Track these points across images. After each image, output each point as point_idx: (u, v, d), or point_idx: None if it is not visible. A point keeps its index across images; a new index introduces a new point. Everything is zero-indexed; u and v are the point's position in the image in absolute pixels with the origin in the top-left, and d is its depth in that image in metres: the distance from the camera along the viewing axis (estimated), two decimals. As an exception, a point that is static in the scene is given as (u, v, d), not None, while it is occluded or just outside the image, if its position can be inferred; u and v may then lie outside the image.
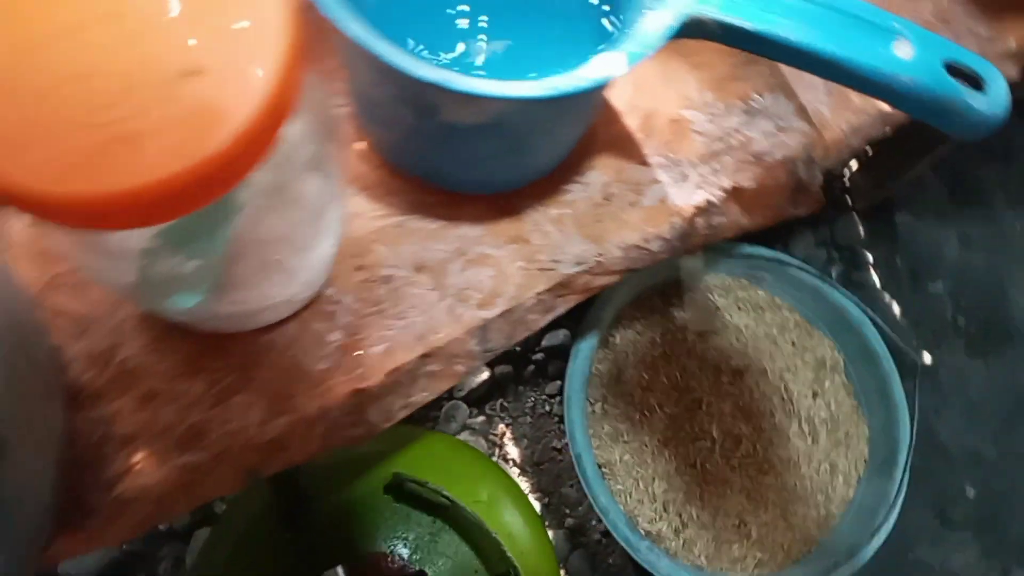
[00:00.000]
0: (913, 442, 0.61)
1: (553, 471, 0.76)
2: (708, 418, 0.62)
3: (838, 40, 0.29)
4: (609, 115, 0.40)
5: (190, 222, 0.27)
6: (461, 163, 0.35)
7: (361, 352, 0.35)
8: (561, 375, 0.79)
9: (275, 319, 0.35)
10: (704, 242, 0.41)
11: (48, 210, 0.20)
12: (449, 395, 0.77)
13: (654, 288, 0.65)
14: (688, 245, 0.41)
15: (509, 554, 0.52)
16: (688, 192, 0.40)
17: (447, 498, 0.48)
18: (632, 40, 0.28)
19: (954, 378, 0.85)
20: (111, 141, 0.20)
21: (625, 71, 0.27)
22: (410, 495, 0.53)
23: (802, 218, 0.46)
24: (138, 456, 0.33)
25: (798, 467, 0.63)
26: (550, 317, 0.39)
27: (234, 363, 0.34)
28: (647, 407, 0.62)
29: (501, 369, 0.77)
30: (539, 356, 0.78)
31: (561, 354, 0.77)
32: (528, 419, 0.78)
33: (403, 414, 0.37)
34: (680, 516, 0.60)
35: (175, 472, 0.33)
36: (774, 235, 0.85)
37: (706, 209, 0.40)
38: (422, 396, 0.37)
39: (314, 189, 0.30)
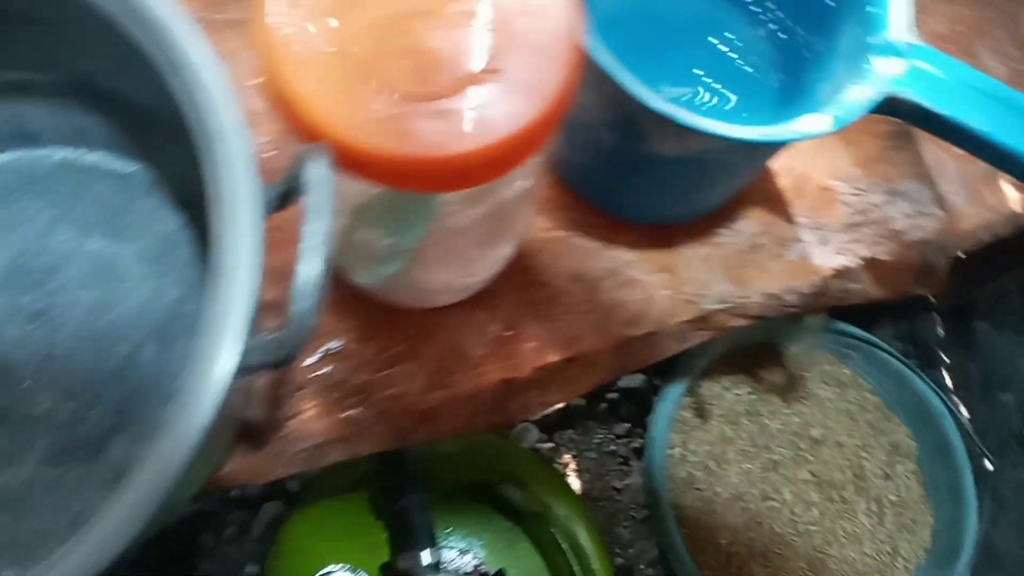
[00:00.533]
0: (979, 542, 0.62)
1: (609, 509, 0.78)
2: (782, 480, 0.64)
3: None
4: (766, 172, 0.43)
5: (403, 203, 0.31)
6: (638, 192, 0.38)
7: (515, 345, 0.38)
8: (632, 418, 0.81)
9: (446, 302, 0.38)
10: (833, 304, 0.44)
11: (359, 161, 0.24)
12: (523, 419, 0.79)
13: (746, 346, 0.68)
14: (818, 304, 0.43)
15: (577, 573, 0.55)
16: (828, 255, 0.43)
17: (544, 504, 0.50)
18: (836, 106, 0.31)
19: (1013, 489, 0.86)
20: (425, 113, 0.23)
21: (830, 131, 0.30)
22: (494, 498, 0.56)
23: (889, 306, 0.48)
24: (309, 404, 0.36)
25: (861, 544, 0.64)
26: (683, 347, 0.42)
27: (405, 335, 0.38)
28: (725, 459, 0.64)
29: (576, 401, 0.79)
30: (614, 396, 0.80)
31: (635, 397, 0.80)
32: (593, 454, 0.80)
33: (538, 411, 0.40)
34: (741, 570, 0.61)
35: (338, 424, 0.36)
36: (857, 318, 0.87)
37: (842, 273, 0.43)
38: (556, 398, 0.40)
39: (513, 195, 0.34)
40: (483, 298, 0.39)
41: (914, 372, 0.67)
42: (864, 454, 0.66)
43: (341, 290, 0.38)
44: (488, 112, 0.24)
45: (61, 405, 0.35)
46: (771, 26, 0.40)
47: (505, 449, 0.59)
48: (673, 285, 0.40)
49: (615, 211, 0.40)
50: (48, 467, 0.34)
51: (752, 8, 0.41)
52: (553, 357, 0.38)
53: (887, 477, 0.66)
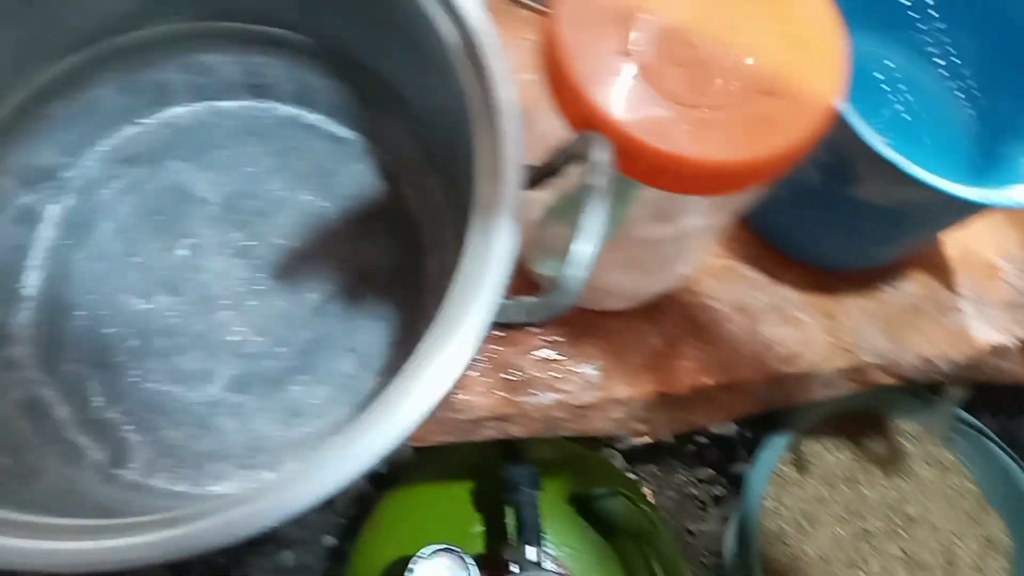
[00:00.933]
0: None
1: (680, 551, 0.78)
2: (871, 551, 0.63)
3: None
4: (936, 238, 0.44)
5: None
6: (821, 234, 0.39)
7: (673, 361, 0.40)
8: (717, 465, 0.81)
9: (614, 307, 0.40)
10: (982, 379, 0.44)
11: (626, 152, 0.25)
12: (609, 444, 0.80)
13: (853, 412, 0.68)
14: (968, 377, 0.44)
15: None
16: (986, 330, 0.43)
17: (652, 524, 0.51)
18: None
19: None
20: (694, 119, 0.25)
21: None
22: (589, 511, 0.57)
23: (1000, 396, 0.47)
24: (478, 380, 0.38)
25: (943, 632, 0.63)
26: (828, 394, 0.42)
27: (571, 331, 0.39)
28: (817, 520, 0.64)
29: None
30: (703, 440, 0.81)
31: (725, 445, 0.80)
32: (672, 494, 0.80)
33: (675, 429, 0.41)
34: (817, 632, 0.61)
35: (500, 403, 0.38)
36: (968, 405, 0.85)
37: (999, 351, 0.43)
38: (702, 419, 0.41)
39: (705, 224, 0.35)
40: (648, 311, 0.40)
41: (1021, 468, 0.66)
42: (958, 541, 0.65)
43: (519, 277, 0.40)
44: (749, 129, 0.26)
45: (252, 338, 0.38)
46: (964, 92, 0.41)
47: (609, 466, 0.60)
48: (832, 331, 0.41)
49: (787, 248, 0.42)
50: (232, 393, 0.37)
51: (944, 72, 0.41)
52: (708, 380, 0.40)
53: (978, 570, 0.65)
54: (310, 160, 0.40)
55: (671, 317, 0.40)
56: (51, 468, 0.33)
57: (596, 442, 0.74)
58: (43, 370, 0.36)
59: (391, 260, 0.39)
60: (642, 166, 0.26)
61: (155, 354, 0.37)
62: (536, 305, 0.24)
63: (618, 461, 0.80)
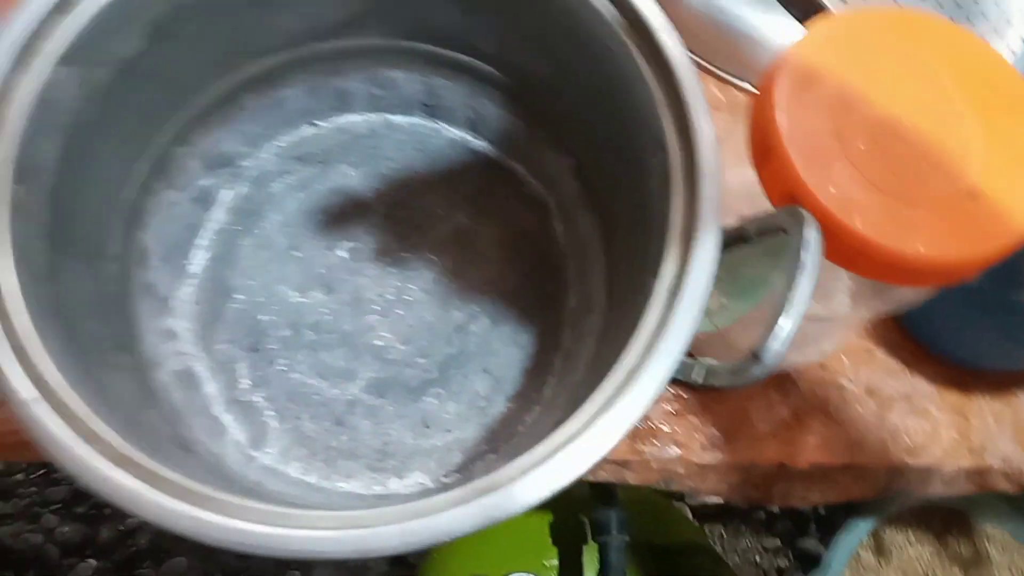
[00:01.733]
0: None
1: (736, 616, 0.77)
2: (945, 653, 0.61)
3: None
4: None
5: (745, 279, 0.33)
6: (966, 332, 0.39)
7: (798, 434, 0.40)
8: (785, 537, 0.80)
9: (735, 387, 0.40)
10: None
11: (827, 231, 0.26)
12: (681, 498, 0.79)
13: (940, 508, 0.66)
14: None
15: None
16: (1121, 453, 0.42)
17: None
18: None
19: None
20: (905, 211, 0.26)
21: None
22: (671, 564, 0.57)
23: None
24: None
25: None
26: (946, 492, 0.42)
27: (698, 391, 0.40)
28: (892, 611, 0.62)
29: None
30: (775, 509, 0.80)
31: (797, 518, 0.79)
32: (736, 559, 0.79)
33: (795, 503, 0.41)
34: None
35: (625, 449, 0.38)
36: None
37: None
38: (817, 497, 0.41)
39: (845, 301, 0.35)
40: (780, 380, 0.40)
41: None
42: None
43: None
44: (949, 229, 0.26)
45: (396, 346, 0.39)
46: None
47: (688, 521, 0.60)
48: (962, 430, 0.41)
49: (927, 339, 0.41)
50: (371, 395, 0.38)
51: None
52: (830, 458, 0.39)
53: None
54: (470, 183, 0.42)
55: (801, 390, 0.40)
56: (200, 442, 0.35)
57: (669, 495, 0.74)
58: (199, 346, 0.38)
59: (534, 290, 0.40)
60: (837, 246, 0.26)
61: (304, 347, 0.38)
62: (725, 370, 0.24)
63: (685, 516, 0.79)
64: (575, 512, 0.58)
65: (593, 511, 0.50)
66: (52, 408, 0.24)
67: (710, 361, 0.26)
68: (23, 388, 0.24)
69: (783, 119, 0.27)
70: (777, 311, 0.23)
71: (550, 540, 0.58)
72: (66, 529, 0.73)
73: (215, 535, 0.23)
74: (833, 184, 0.26)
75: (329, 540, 0.23)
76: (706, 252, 0.26)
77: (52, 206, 0.30)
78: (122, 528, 0.74)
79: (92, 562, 0.73)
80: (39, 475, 0.75)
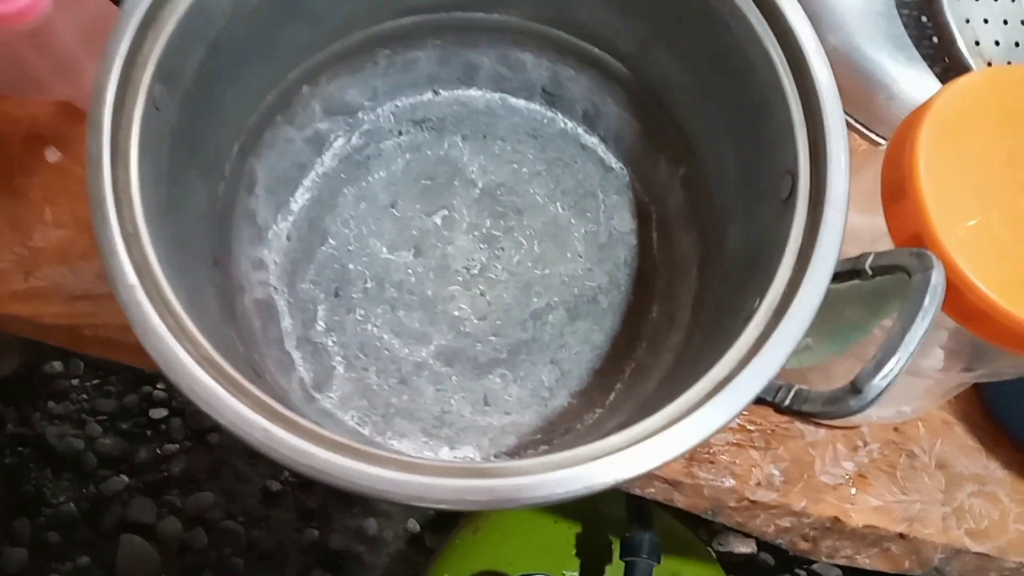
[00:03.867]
0: None
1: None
2: None
3: None
4: None
5: (842, 321, 0.32)
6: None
7: (859, 492, 0.38)
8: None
9: (824, 417, 0.39)
10: None
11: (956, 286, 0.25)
12: (709, 542, 0.78)
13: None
14: None
15: None
16: None
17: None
18: None
19: None
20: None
21: None
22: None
23: None
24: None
25: None
26: (999, 586, 0.40)
27: (767, 424, 0.39)
28: None
29: (764, 556, 0.77)
30: (802, 572, 0.78)
31: (822, 586, 0.76)
32: (752, 615, 0.77)
33: (839, 561, 0.40)
34: None
35: (676, 466, 0.38)
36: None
37: None
38: (864, 560, 0.40)
39: (939, 356, 0.34)
40: (849, 433, 0.39)
41: None
42: None
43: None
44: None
45: (472, 319, 0.39)
46: None
47: (716, 565, 0.59)
48: (1030, 524, 0.39)
49: (1010, 423, 0.40)
50: (439, 362, 0.38)
51: None
52: (887, 523, 0.38)
53: None
54: (574, 177, 0.42)
55: (870, 448, 0.39)
56: (268, 371, 0.35)
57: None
58: (284, 280, 0.39)
59: (618, 294, 0.40)
60: (954, 298, 0.25)
61: (384, 302, 0.39)
62: (819, 397, 0.24)
63: (709, 562, 0.78)
64: (605, 529, 0.57)
65: (627, 530, 0.50)
66: (150, 298, 0.25)
67: (801, 386, 0.25)
68: (128, 273, 0.25)
69: (923, 160, 0.26)
70: (889, 349, 0.23)
71: (574, 551, 0.57)
72: (107, 441, 0.75)
73: (285, 452, 0.23)
74: (963, 235, 0.25)
75: (392, 480, 0.23)
76: (820, 275, 0.25)
77: (182, 112, 0.31)
78: (159, 452, 0.76)
79: (124, 478, 0.75)
80: (93, 383, 0.77)
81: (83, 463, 0.74)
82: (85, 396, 0.77)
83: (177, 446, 0.76)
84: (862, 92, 0.43)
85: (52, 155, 0.42)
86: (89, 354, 0.39)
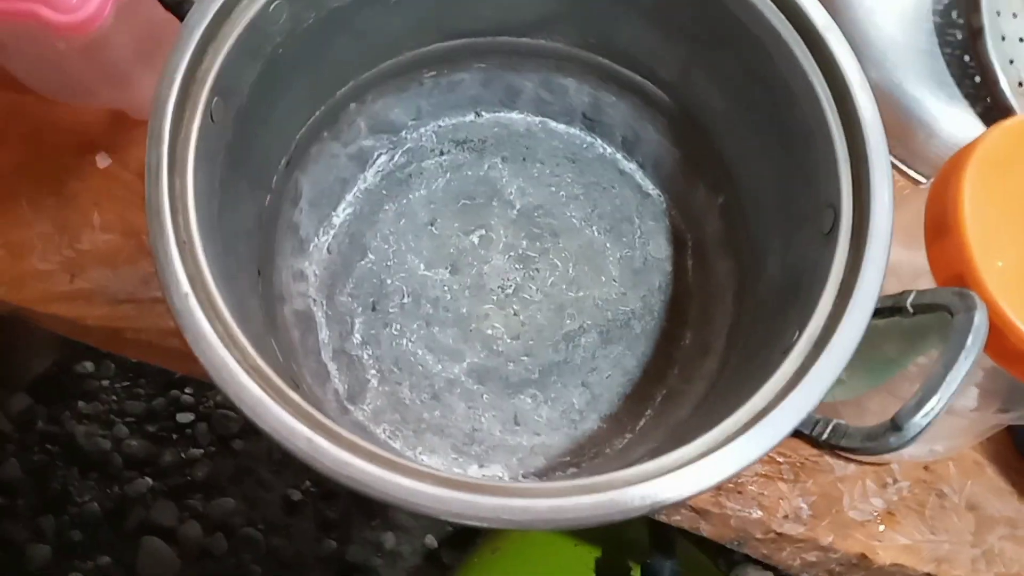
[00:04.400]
0: None
1: None
2: None
3: None
4: None
5: (880, 357, 0.32)
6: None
7: (887, 529, 0.38)
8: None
9: (864, 453, 0.39)
10: None
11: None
12: (726, 575, 0.77)
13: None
14: None
15: None
16: None
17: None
18: None
19: None
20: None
21: None
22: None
23: None
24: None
25: None
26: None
27: (797, 457, 0.39)
28: None
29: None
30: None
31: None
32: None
33: (864, 598, 0.39)
34: None
35: (707, 501, 0.38)
36: None
37: None
38: (888, 601, 0.39)
39: (974, 395, 0.34)
40: (880, 470, 0.39)
41: None
42: None
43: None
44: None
45: (505, 339, 0.39)
46: None
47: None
48: (1063, 571, 0.38)
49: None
50: (471, 380, 0.39)
51: None
52: (915, 563, 0.38)
53: None
54: (612, 202, 0.42)
55: (900, 486, 0.39)
56: (305, 381, 0.36)
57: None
58: (323, 292, 0.39)
59: (652, 319, 0.40)
60: (998, 342, 0.25)
61: (420, 317, 0.39)
62: (858, 432, 0.24)
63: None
64: (625, 555, 0.57)
65: (649, 557, 0.50)
66: (201, 306, 0.26)
67: (838, 420, 0.25)
68: (182, 282, 0.26)
69: (968, 200, 0.26)
70: (931, 387, 0.23)
71: (591, 573, 0.57)
72: (134, 443, 0.76)
73: (327, 462, 0.23)
74: (1006, 276, 0.25)
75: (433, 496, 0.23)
76: (862, 310, 0.25)
77: (236, 125, 0.31)
78: (184, 456, 0.77)
79: (149, 480, 0.76)
80: (123, 385, 0.78)
81: (109, 463, 0.75)
82: (115, 397, 0.78)
83: (202, 451, 0.77)
84: (902, 128, 0.43)
85: (103, 161, 0.43)
86: (127, 356, 0.40)
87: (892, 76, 0.43)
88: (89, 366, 0.78)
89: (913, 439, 0.23)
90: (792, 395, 0.25)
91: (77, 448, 0.76)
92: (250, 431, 0.79)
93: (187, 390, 0.79)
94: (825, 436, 0.25)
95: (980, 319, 0.23)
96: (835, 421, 0.25)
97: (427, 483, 0.23)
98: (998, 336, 0.25)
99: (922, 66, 0.43)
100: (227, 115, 0.31)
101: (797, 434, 0.26)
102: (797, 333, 0.27)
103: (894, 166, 0.45)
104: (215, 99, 0.29)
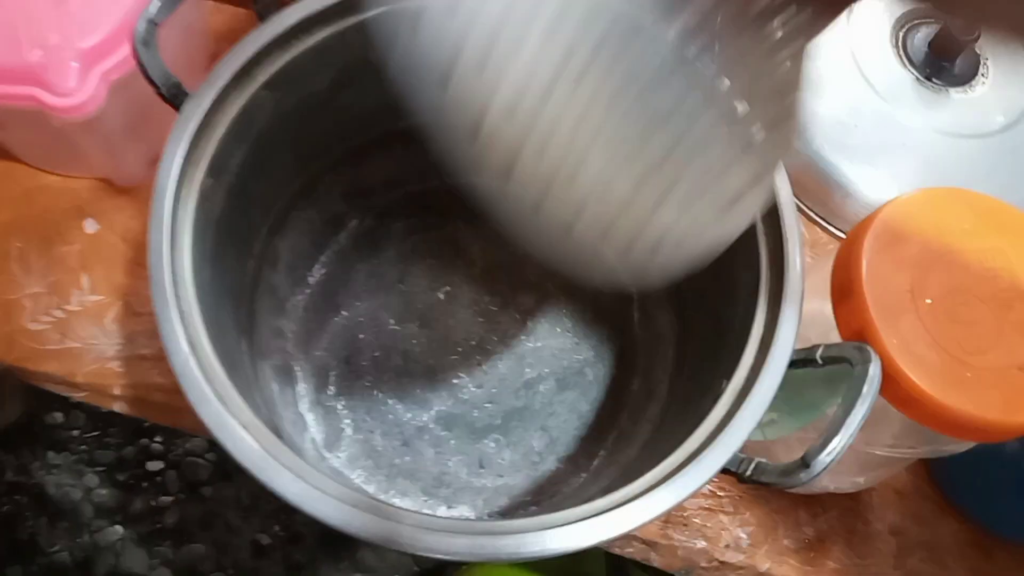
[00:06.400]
0: None
1: None
2: None
3: None
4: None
5: (803, 400, 0.36)
6: (994, 494, 0.41)
7: (819, 558, 0.42)
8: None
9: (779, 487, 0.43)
10: None
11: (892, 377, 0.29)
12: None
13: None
14: None
15: None
16: None
17: None
18: None
19: None
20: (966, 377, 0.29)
21: None
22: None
23: None
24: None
25: None
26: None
27: (733, 492, 0.43)
28: None
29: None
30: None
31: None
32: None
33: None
34: None
35: (653, 528, 0.41)
36: None
37: None
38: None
39: (888, 437, 0.38)
40: (810, 500, 0.43)
41: None
42: None
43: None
44: (999, 396, 0.29)
45: (470, 387, 0.43)
46: None
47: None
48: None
49: (955, 496, 0.44)
50: (439, 426, 0.42)
51: None
52: (849, 591, 0.42)
53: None
54: (566, 259, 0.46)
55: (829, 515, 0.43)
56: (286, 431, 0.39)
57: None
58: (300, 348, 0.42)
59: (603, 367, 0.44)
60: (893, 388, 0.30)
61: (390, 370, 0.42)
62: (775, 469, 0.28)
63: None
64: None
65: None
66: (199, 367, 0.29)
67: (760, 459, 0.29)
68: (183, 346, 0.29)
69: (866, 266, 0.31)
70: (832, 429, 0.27)
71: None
72: (104, 492, 0.77)
73: (323, 508, 0.26)
74: (899, 333, 0.30)
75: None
76: (778, 363, 0.30)
77: (226, 200, 0.35)
78: (154, 504, 0.78)
79: (119, 529, 0.77)
80: (93, 435, 0.79)
81: (79, 513, 0.76)
82: (84, 447, 0.79)
83: (171, 498, 0.78)
84: (821, 190, 0.48)
85: (91, 226, 0.45)
86: (115, 409, 0.43)
87: (812, 144, 0.48)
88: (59, 416, 0.79)
89: (819, 474, 0.27)
90: (720, 437, 0.29)
91: (47, 498, 0.77)
92: (219, 477, 0.81)
93: (157, 438, 0.80)
94: (749, 473, 0.29)
95: (874, 371, 0.27)
96: (758, 460, 0.29)
97: (407, 525, 0.26)
98: (893, 384, 0.30)
99: (838, 135, 0.48)
100: (217, 193, 0.34)
101: (726, 472, 0.30)
102: (725, 382, 0.31)
103: (816, 223, 0.50)
104: (208, 180, 0.33)
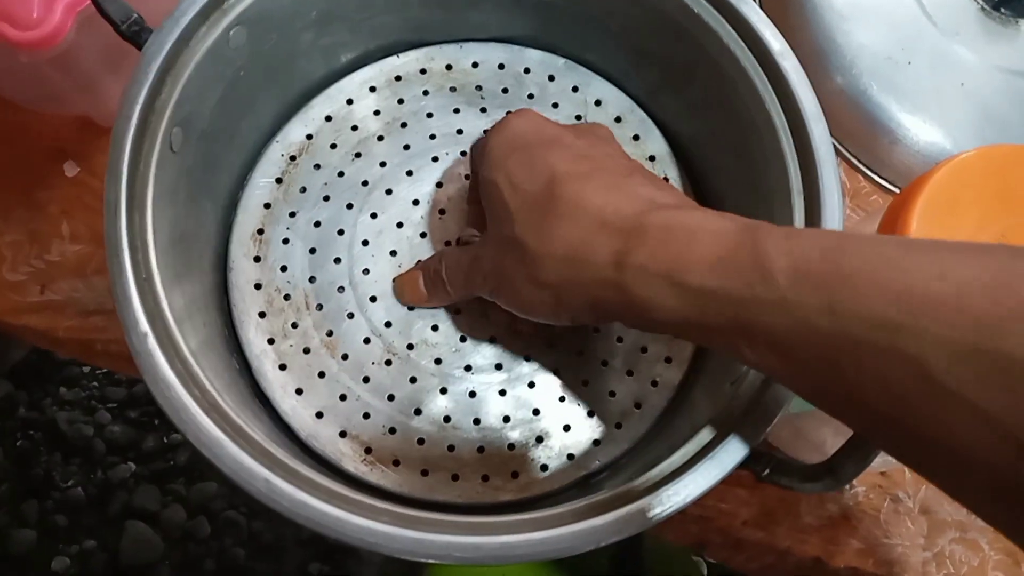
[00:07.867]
0: None
1: None
2: None
3: None
4: None
5: None
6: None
7: (844, 537, 0.39)
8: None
9: (808, 460, 0.40)
10: None
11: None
12: None
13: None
14: None
15: None
16: None
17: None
18: None
19: None
20: None
21: None
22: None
23: None
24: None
25: None
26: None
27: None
28: None
29: None
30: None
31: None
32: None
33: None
34: None
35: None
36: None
37: None
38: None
39: None
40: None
41: None
42: None
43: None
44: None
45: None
46: None
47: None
48: (1011, 573, 0.40)
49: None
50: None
51: None
52: (869, 566, 0.39)
53: None
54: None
55: (856, 491, 0.40)
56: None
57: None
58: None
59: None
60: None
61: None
62: (796, 472, 0.25)
63: None
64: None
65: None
66: (160, 344, 0.26)
67: (779, 457, 0.26)
68: (141, 321, 0.26)
69: (915, 228, 0.27)
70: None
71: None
72: (116, 429, 0.77)
73: (285, 503, 0.24)
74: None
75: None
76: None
77: (197, 152, 0.31)
78: (166, 441, 0.78)
79: (132, 465, 0.76)
80: (104, 372, 0.78)
81: (92, 450, 0.76)
82: (95, 384, 0.78)
83: (182, 436, 0.77)
84: (866, 135, 0.44)
85: (71, 169, 0.43)
86: (98, 365, 0.41)
87: (858, 83, 0.43)
88: (69, 352, 0.79)
89: (844, 483, 0.24)
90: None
91: (59, 434, 0.76)
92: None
93: (168, 376, 0.79)
94: (767, 472, 0.26)
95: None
96: (778, 456, 0.26)
97: (381, 522, 0.24)
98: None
99: (888, 72, 0.43)
100: (187, 142, 0.31)
101: (744, 467, 0.27)
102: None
103: (860, 172, 0.45)
104: (174, 129, 0.29)
